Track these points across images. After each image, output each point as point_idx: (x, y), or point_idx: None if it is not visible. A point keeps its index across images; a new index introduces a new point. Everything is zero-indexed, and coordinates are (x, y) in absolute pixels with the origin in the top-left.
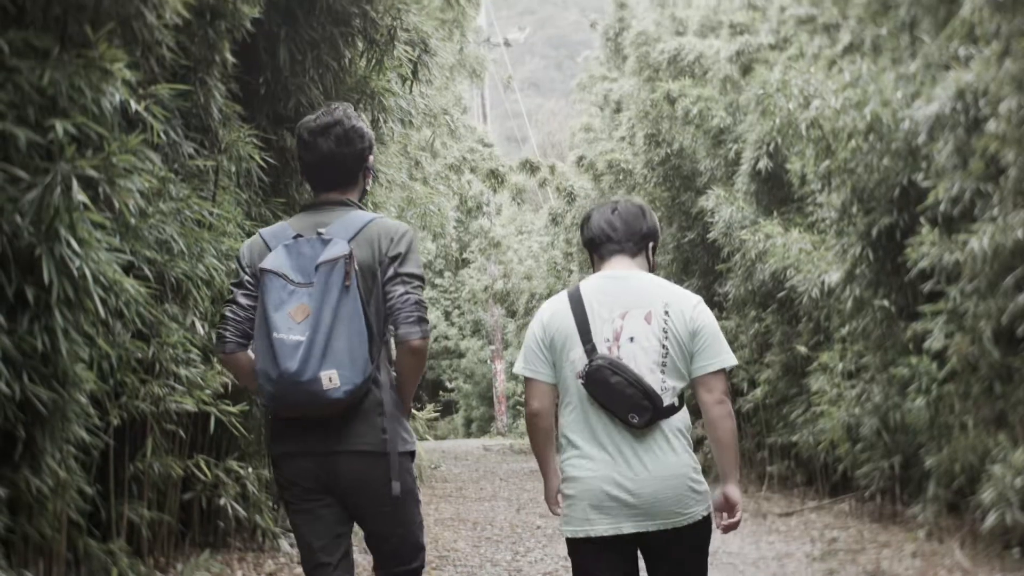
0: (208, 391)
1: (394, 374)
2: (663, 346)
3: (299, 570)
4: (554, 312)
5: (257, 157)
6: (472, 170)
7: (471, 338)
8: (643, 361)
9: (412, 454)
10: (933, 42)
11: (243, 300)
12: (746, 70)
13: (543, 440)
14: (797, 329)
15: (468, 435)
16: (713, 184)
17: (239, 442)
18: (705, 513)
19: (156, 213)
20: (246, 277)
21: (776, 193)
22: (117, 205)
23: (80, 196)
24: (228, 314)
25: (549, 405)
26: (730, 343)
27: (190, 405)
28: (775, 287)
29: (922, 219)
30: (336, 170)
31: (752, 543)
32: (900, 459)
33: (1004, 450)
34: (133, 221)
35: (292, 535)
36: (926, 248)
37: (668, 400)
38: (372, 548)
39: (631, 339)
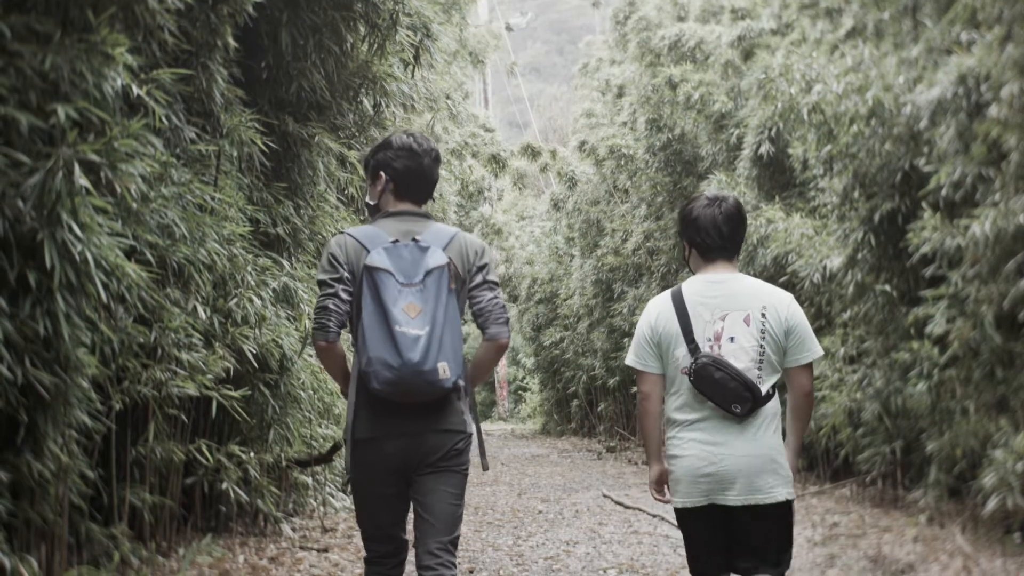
0: (210, 376)
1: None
2: (760, 345)
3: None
4: (659, 313)
5: (259, 142)
6: (473, 155)
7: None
8: (742, 359)
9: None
10: (935, 27)
11: (344, 295)
12: (748, 55)
13: (652, 424)
14: None
15: None
16: (715, 169)
17: (241, 427)
18: (788, 497)
19: (158, 198)
20: (346, 273)
21: (778, 178)
22: (119, 190)
23: (82, 181)
24: (331, 306)
25: (658, 392)
26: None
27: (192, 390)
28: (777, 272)
29: (924, 204)
30: (428, 185)
31: None
32: (901, 444)
33: (1005, 435)
34: (135, 206)
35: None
36: (928, 233)
37: (764, 390)
38: (424, 518)
39: (731, 339)
